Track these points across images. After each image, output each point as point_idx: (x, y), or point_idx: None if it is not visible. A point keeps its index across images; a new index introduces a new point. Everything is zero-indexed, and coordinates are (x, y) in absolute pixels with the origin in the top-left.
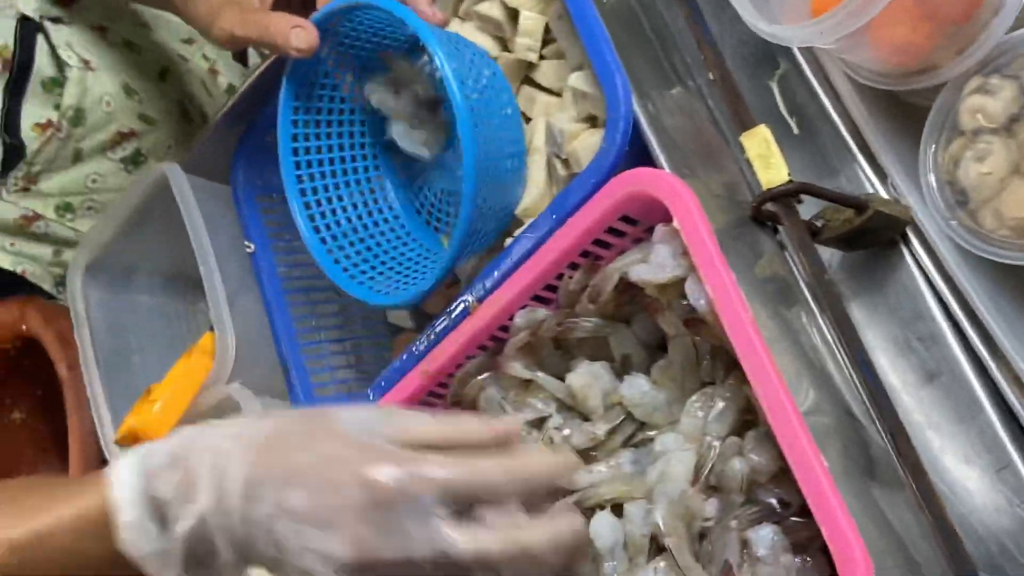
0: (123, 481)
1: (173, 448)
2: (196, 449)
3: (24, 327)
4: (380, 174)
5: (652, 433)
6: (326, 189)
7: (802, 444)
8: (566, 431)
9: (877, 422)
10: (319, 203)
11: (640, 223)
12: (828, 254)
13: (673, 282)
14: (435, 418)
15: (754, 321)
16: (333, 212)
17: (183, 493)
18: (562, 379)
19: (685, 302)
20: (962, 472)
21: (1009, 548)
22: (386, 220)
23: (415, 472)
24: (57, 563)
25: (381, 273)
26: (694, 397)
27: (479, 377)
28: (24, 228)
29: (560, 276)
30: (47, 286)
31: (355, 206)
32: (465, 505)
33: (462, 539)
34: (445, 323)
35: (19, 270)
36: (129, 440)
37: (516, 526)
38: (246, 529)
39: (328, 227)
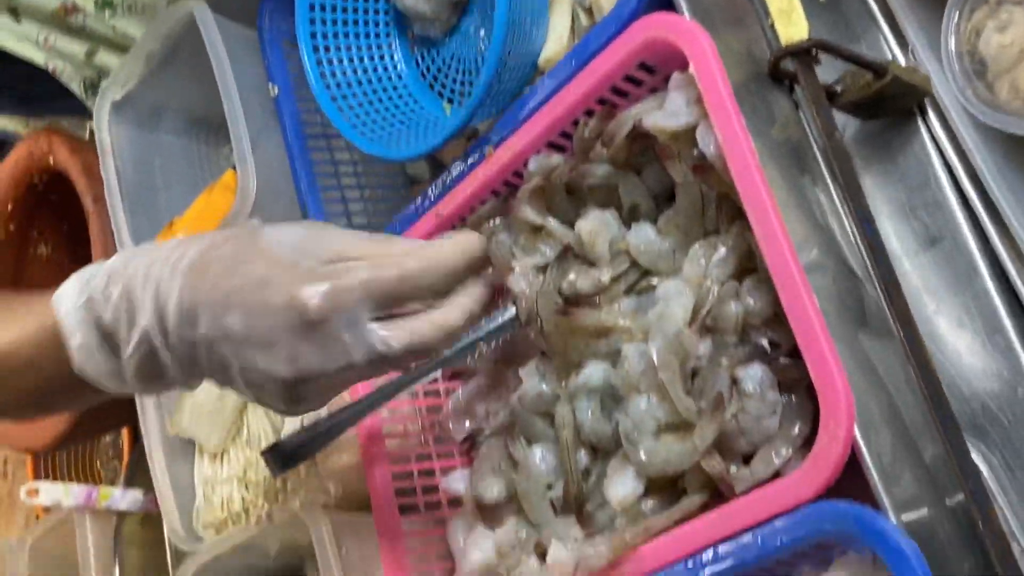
0: (68, 307)
1: (112, 273)
2: (135, 276)
3: (51, 159)
4: (391, 39)
5: (655, 281)
6: (336, 39)
7: (796, 283)
8: (572, 275)
9: (873, 274)
10: (327, 50)
11: (658, 72)
12: (843, 122)
13: (686, 130)
14: (361, 233)
15: (760, 166)
16: (340, 62)
17: (127, 318)
18: (571, 226)
19: (696, 151)
20: (954, 335)
21: (992, 410)
22: (392, 82)
23: (340, 284)
24: (21, 376)
25: (383, 129)
26: (697, 244)
27: (490, 222)
28: (61, 19)
29: (576, 123)
30: (75, 86)
31: (363, 61)
32: (391, 305)
33: (394, 337)
34: (461, 168)
35: (50, 67)
36: None
37: (438, 314)
38: (188, 350)
39: (334, 75)
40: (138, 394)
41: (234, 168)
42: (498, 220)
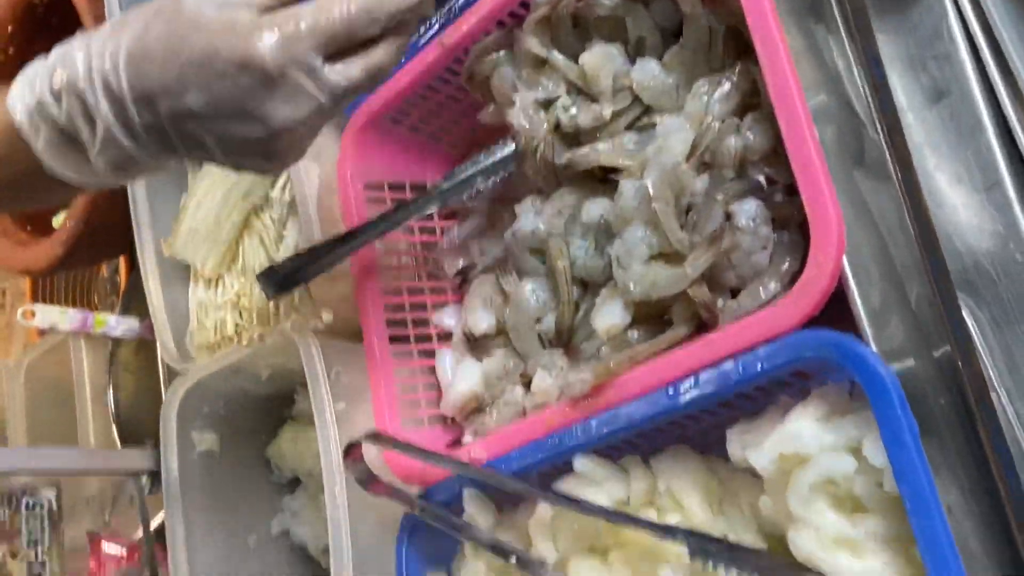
0: (22, 111)
1: (53, 72)
2: (78, 74)
3: None
4: None
5: (657, 118)
6: None
7: (798, 112)
8: (573, 110)
9: (876, 116)
10: None
11: None
12: None
13: None
14: None
15: None
16: None
17: (84, 119)
18: (576, 60)
19: None
20: (952, 191)
21: (984, 266)
22: None
23: (289, 32)
24: None
25: None
26: (701, 80)
27: (495, 54)
28: None
29: None
30: None
31: None
32: (342, 45)
33: (354, 68)
34: None
35: None
36: None
37: (390, 38)
38: (157, 136)
39: None
40: (113, 185)
41: None
42: (502, 52)
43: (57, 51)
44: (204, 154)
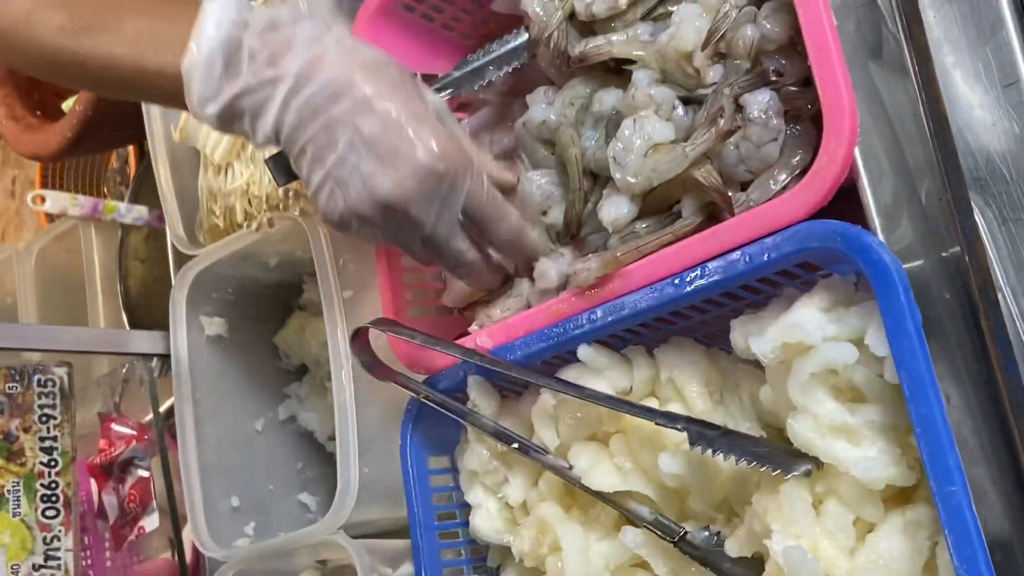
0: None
1: (277, 15)
2: (299, 26)
3: None
4: None
5: (673, 8)
6: None
7: (817, 1)
8: None
9: (896, 6)
10: None
11: None
12: None
13: None
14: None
15: None
16: None
17: (269, 55)
18: None
19: None
20: (968, 88)
21: (996, 164)
22: None
23: (479, 163)
24: (135, 92)
25: None
26: None
27: None
28: None
29: None
30: None
31: None
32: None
33: (466, 246)
34: None
35: None
36: None
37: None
38: (303, 117)
39: None
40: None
41: None
42: None
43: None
44: (309, 160)
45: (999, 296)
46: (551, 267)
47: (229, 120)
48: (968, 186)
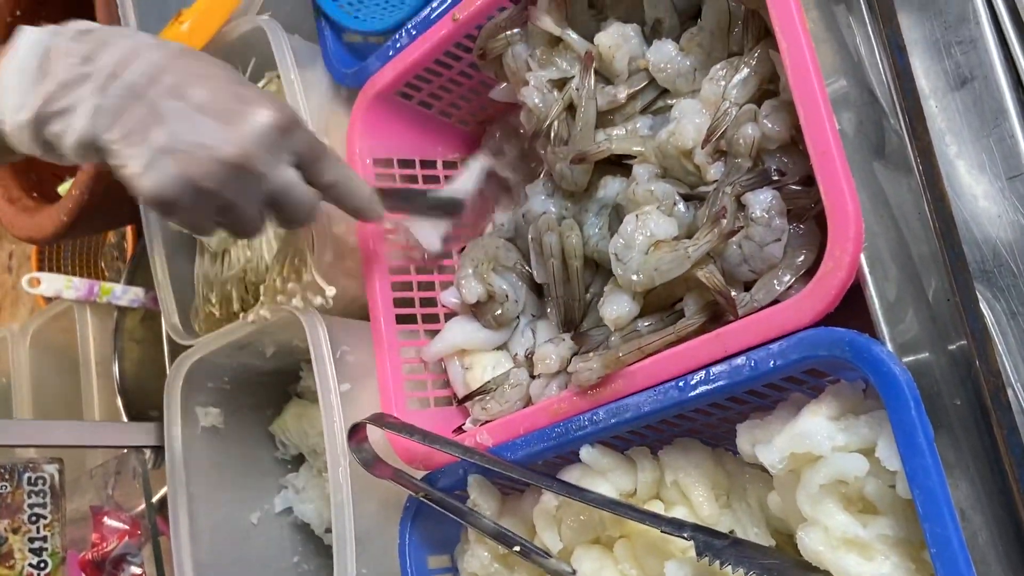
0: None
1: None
2: (114, 30)
3: None
4: None
5: (672, 101)
6: None
7: (818, 101)
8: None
9: (898, 105)
10: None
11: None
12: None
13: None
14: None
15: None
16: None
17: (85, 53)
18: (591, 40)
19: None
20: (972, 179)
21: (1004, 255)
22: None
23: (305, 127)
24: None
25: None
26: (719, 64)
27: (508, 32)
28: None
29: None
30: None
31: None
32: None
33: (307, 190)
34: None
35: None
36: None
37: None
38: (125, 99)
39: None
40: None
41: None
42: (515, 30)
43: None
44: (135, 137)
45: (1010, 393)
46: (552, 351)
47: (42, 124)
48: (975, 278)
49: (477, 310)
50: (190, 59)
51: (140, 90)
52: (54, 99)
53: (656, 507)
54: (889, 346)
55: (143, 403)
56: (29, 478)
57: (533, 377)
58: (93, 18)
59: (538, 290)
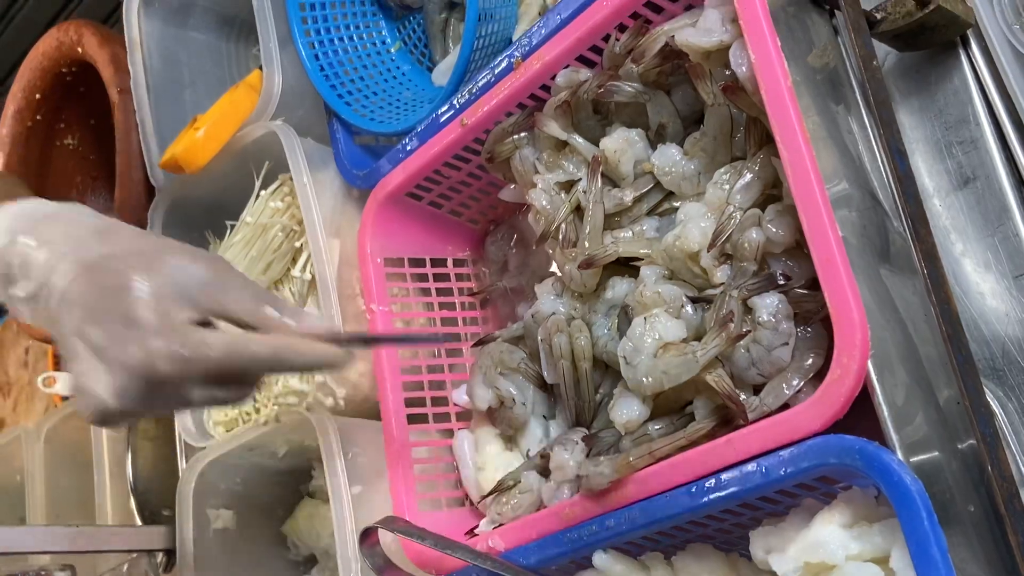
0: None
1: (22, 230)
2: (39, 243)
3: (80, 50)
4: (377, 17)
5: (677, 203)
6: (323, 10)
7: (820, 210)
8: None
9: (901, 209)
10: (319, 33)
11: None
12: (881, 54)
13: (719, 49)
14: (261, 293)
15: (792, 89)
16: (332, 43)
17: (22, 271)
18: (596, 144)
19: (728, 71)
20: (979, 277)
21: (1013, 354)
22: (380, 55)
23: (196, 358)
24: None
25: (373, 102)
26: (723, 169)
27: (515, 136)
28: None
29: (607, 38)
30: None
31: (352, 39)
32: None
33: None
34: (488, 78)
35: None
36: (171, 166)
37: None
38: (54, 324)
39: (326, 54)
40: None
41: (261, 68)
42: (522, 134)
43: (45, 215)
44: (66, 352)
45: (1023, 496)
46: (568, 459)
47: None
48: (984, 376)
49: (492, 416)
50: (90, 283)
51: (58, 319)
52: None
53: None
54: (898, 451)
55: (156, 502)
56: None
57: (544, 476)
58: (111, 118)
59: (546, 387)
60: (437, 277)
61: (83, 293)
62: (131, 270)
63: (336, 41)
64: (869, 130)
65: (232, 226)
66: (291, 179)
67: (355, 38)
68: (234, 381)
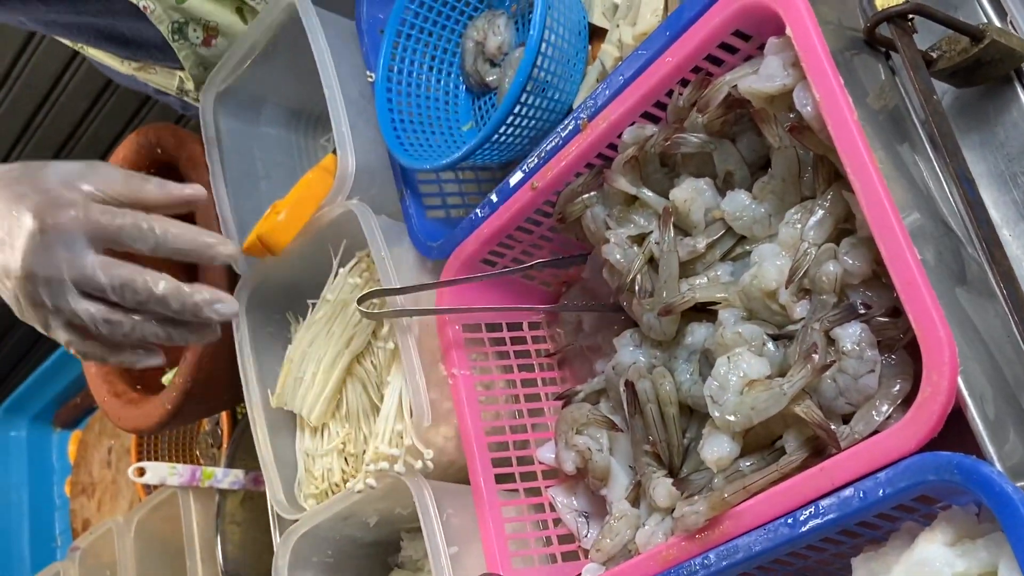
0: None
1: None
2: None
3: (159, 151)
4: (458, 97)
5: (750, 247)
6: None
7: (898, 237)
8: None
9: (973, 234)
10: (401, 115)
11: (753, 39)
12: (940, 91)
13: (782, 93)
14: (128, 177)
15: (859, 122)
16: (412, 123)
17: None
18: (665, 196)
19: (792, 114)
20: None
21: None
22: (452, 133)
23: (77, 215)
24: None
25: (424, 139)
26: (793, 208)
27: (585, 196)
28: None
29: (670, 93)
30: (163, 28)
31: (432, 121)
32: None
33: (103, 272)
34: (556, 141)
35: (141, 3)
36: (255, 249)
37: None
38: None
39: (407, 135)
40: None
41: (334, 152)
42: (592, 193)
43: None
44: None
45: None
46: (661, 487)
47: None
48: None
49: (581, 476)
50: None
51: None
52: None
53: None
54: (997, 463)
55: None
56: None
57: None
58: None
59: (618, 429)
60: (514, 340)
61: None
62: (20, 173)
63: (416, 122)
64: (935, 163)
65: (313, 304)
66: (368, 255)
67: (434, 120)
68: (113, 302)
